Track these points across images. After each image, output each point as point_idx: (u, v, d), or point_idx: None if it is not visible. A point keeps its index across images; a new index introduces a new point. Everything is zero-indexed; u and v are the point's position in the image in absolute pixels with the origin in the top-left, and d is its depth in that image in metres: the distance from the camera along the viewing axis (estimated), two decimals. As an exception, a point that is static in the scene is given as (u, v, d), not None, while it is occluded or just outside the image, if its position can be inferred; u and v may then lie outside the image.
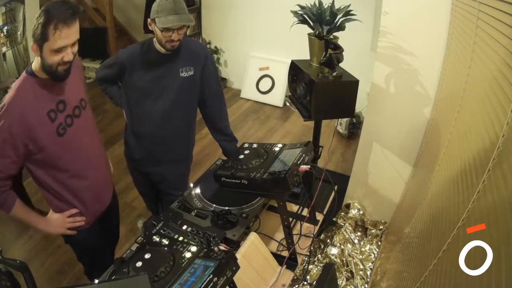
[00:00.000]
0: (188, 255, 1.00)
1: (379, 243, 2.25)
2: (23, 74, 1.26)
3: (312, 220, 1.56)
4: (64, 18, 1.15)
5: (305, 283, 1.62)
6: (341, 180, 2.54)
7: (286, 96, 4.48)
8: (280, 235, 1.49)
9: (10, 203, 1.33)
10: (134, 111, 1.81)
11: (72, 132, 1.34)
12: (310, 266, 2.01)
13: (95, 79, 1.96)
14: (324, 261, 2.12)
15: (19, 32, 3.42)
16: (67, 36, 1.18)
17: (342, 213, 2.49)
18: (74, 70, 1.31)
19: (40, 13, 1.16)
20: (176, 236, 1.16)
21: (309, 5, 1.69)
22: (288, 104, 4.53)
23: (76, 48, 1.24)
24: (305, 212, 1.57)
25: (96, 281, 0.93)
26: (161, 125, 1.79)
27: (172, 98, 1.74)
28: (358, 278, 2.02)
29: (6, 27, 3.32)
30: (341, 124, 3.79)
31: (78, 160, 1.40)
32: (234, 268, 0.95)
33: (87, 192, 1.46)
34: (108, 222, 1.69)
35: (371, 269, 2.08)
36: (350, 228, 2.34)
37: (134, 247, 1.11)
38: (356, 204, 2.50)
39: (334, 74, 1.56)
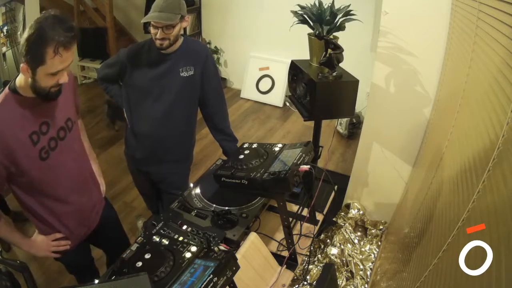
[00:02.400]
0: (188, 255, 1.00)
1: (379, 243, 2.25)
2: (5, 90, 1.16)
3: (312, 220, 1.56)
4: (64, 42, 1.06)
5: (305, 283, 1.62)
6: (341, 180, 2.54)
7: (286, 96, 4.48)
8: (280, 235, 1.49)
9: None
10: (134, 110, 1.81)
11: (56, 155, 1.25)
12: (310, 266, 2.01)
13: (97, 78, 1.96)
14: (324, 261, 2.12)
15: (19, 32, 3.42)
16: (66, 59, 1.09)
17: (342, 213, 2.49)
18: (65, 84, 1.20)
19: (33, 32, 1.03)
20: (176, 236, 1.16)
21: (309, 5, 1.69)
22: (288, 104, 4.53)
23: (69, 69, 1.18)
24: (305, 212, 1.57)
25: (96, 281, 0.93)
26: (161, 125, 1.79)
27: (172, 98, 1.74)
28: (358, 278, 2.02)
29: (6, 27, 3.32)
30: (341, 124, 3.79)
31: (62, 185, 1.32)
32: (234, 268, 0.95)
33: (71, 216, 1.40)
34: (103, 237, 1.62)
35: (371, 269, 2.08)
36: (350, 228, 2.34)
37: (134, 247, 1.11)
38: (356, 204, 2.50)
39: (334, 74, 1.56)
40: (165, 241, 1.10)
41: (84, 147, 1.46)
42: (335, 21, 1.64)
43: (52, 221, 1.36)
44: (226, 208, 1.42)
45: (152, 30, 1.60)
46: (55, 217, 1.36)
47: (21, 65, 1.08)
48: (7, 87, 1.17)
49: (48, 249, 1.39)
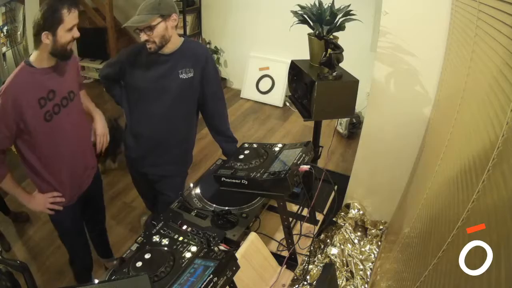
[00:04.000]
0: (188, 255, 1.00)
1: (379, 243, 2.25)
2: (22, 63, 1.42)
3: (312, 220, 1.56)
4: (72, 2, 1.37)
5: (305, 283, 1.62)
6: (341, 180, 2.54)
7: (286, 96, 4.48)
8: (280, 235, 1.49)
9: (1, 176, 1.49)
10: (133, 111, 1.81)
11: (58, 119, 1.49)
12: (310, 266, 2.01)
13: (99, 77, 1.97)
14: (324, 261, 2.12)
15: (19, 32, 3.42)
16: (76, 16, 1.40)
17: (342, 213, 2.49)
18: (70, 62, 1.53)
19: (47, 7, 1.33)
20: (176, 236, 1.16)
21: (309, 5, 1.69)
22: (288, 104, 4.53)
23: (77, 33, 1.44)
24: (305, 212, 1.57)
25: (96, 281, 0.93)
26: (159, 126, 1.79)
27: (171, 99, 1.73)
28: (358, 278, 2.02)
29: (6, 27, 3.32)
30: (341, 124, 3.79)
31: (60, 145, 1.54)
32: (234, 268, 0.95)
33: (65, 174, 1.60)
34: (91, 206, 1.88)
35: (371, 269, 2.08)
36: (350, 228, 2.34)
37: (134, 247, 1.11)
38: (356, 204, 2.50)
39: (334, 74, 1.56)
40: (165, 241, 1.10)
41: (83, 117, 1.68)
42: (335, 21, 1.64)
43: (48, 177, 1.56)
44: (226, 208, 1.42)
45: (139, 33, 1.62)
46: (52, 174, 1.57)
47: (43, 34, 1.33)
48: (23, 62, 1.43)
49: (45, 205, 1.60)
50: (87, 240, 1.96)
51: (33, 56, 1.42)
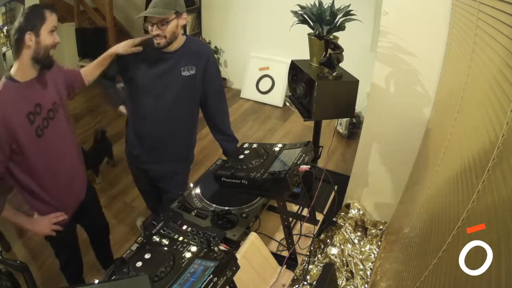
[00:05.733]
0: (188, 255, 1.00)
1: (379, 243, 2.25)
2: (2, 80, 1.36)
3: (312, 220, 1.56)
4: (50, 6, 1.38)
5: (305, 283, 1.63)
6: (341, 180, 2.54)
7: (286, 96, 4.48)
8: (280, 235, 1.49)
9: (0, 205, 1.42)
10: (135, 107, 1.81)
11: (49, 133, 1.45)
12: (310, 266, 2.01)
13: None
14: (324, 261, 2.12)
15: (19, 32, 3.42)
16: (56, 20, 1.39)
17: (342, 213, 2.49)
18: (51, 72, 1.47)
19: (31, 7, 1.34)
20: (176, 236, 1.16)
21: (309, 5, 1.69)
22: (288, 104, 4.53)
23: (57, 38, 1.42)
24: (305, 212, 1.57)
25: (96, 281, 0.93)
26: (161, 123, 1.79)
27: (173, 96, 1.74)
28: (358, 278, 2.02)
29: (6, 27, 3.32)
30: (341, 124, 3.79)
31: (53, 159, 1.50)
32: (234, 268, 0.95)
33: (61, 188, 1.56)
34: (86, 215, 1.81)
35: (371, 269, 2.08)
36: (350, 228, 2.34)
37: (134, 247, 1.11)
38: (356, 204, 2.50)
39: (334, 74, 1.56)
40: (165, 241, 1.10)
41: (69, 126, 1.62)
42: (335, 21, 1.64)
43: (46, 197, 1.52)
44: (226, 208, 1.42)
45: (149, 27, 1.61)
46: (48, 192, 1.52)
47: (26, 36, 1.31)
48: (3, 78, 1.37)
49: (49, 226, 1.55)
50: (80, 250, 1.93)
51: (14, 69, 1.37)
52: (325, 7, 1.65)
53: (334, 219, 2.42)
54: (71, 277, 1.96)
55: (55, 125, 1.49)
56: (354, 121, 3.72)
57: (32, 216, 1.55)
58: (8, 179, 1.46)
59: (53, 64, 1.44)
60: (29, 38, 1.32)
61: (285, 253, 1.37)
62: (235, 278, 0.99)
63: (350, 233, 2.29)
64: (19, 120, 1.34)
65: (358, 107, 3.00)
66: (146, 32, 1.67)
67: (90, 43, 4.56)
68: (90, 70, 1.72)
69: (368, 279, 2.02)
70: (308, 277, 1.90)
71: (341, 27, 1.66)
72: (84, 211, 1.75)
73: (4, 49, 3.35)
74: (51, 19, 1.36)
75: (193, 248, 1.02)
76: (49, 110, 1.46)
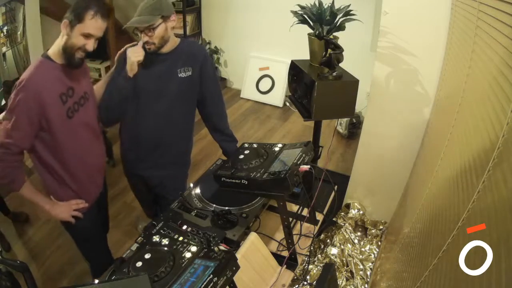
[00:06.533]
0: (188, 255, 1.00)
1: (379, 243, 2.25)
2: (39, 58, 1.37)
3: (312, 220, 1.56)
4: (102, 11, 1.34)
5: (305, 283, 1.62)
6: (341, 180, 2.54)
7: (286, 96, 4.48)
8: (280, 235, 1.49)
9: (20, 181, 1.42)
10: (132, 111, 1.80)
11: (78, 117, 1.46)
12: (310, 266, 2.01)
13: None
14: (324, 261, 2.12)
15: (19, 32, 3.42)
16: (98, 28, 1.35)
17: (342, 213, 2.49)
18: (83, 69, 1.49)
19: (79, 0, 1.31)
20: (176, 236, 1.16)
21: (309, 5, 1.69)
22: (288, 104, 4.53)
23: (95, 45, 1.39)
24: (305, 212, 1.57)
25: (96, 281, 0.93)
26: (159, 126, 1.78)
27: (171, 98, 1.73)
28: (358, 278, 2.02)
29: (6, 27, 3.32)
30: (341, 124, 3.79)
31: (80, 143, 1.50)
32: (234, 268, 0.95)
33: (84, 173, 1.56)
34: (101, 208, 1.83)
35: (371, 269, 2.08)
36: (350, 228, 2.34)
37: (134, 247, 1.11)
38: (356, 204, 2.50)
39: (334, 74, 1.56)
40: (165, 241, 1.10)
41: (95, 117, 1.62)
42: (335, 21, 1.64)
43: (69, 181, 1.51)
44: (226, 208, 1.41)
45: (138, 34, 1.62)
46: (73, 176, 1.52)
47: (63, 21, 1.31)
48: (41, 56, 1.38)
49: (70, 212, 1.53)
50: (106, 240, 1.91)
51: (52, 49, 1.37)
52: (325, 7, 1.65)
53: (334, 219, 2.42)
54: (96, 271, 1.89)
55: (84, 112, 1.50)
56: (354, 121, 3.72)
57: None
58: (32, 159, 1.46)
59: (79, 66, 1.41)
60: (64, 25, 1.32)
61: (285, 253, 1.37)
62: (235, 278, 0.99)
63: (350, 233, 2.29)
64: (52, 98, 1.35)
65: (358, 107, 3.01)
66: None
67: (90, 43, 4.56)
68: (97, 89, 1.69)
69: (368, 279, 2.02)
70: (308, 277, 1.90)
71: (341, 27, 1.66)
72: (100, 204, 1.77)
73: (4, 49, 3.35)
74: (89, 24, 1.32)
75: (193, 248, 1.02)
76: (80, 97, 1.47)
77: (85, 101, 1.51)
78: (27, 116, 1.32)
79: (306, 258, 1.52)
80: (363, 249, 2.20)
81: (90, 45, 1.36)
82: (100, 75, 4.70)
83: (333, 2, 1.65)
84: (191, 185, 1.58)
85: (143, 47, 1.63)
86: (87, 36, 1.34)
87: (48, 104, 1.33)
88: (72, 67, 1.39)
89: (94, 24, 1.33)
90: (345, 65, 1.65)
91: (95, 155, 1.63)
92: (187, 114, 1.85)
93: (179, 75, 1.71)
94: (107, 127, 1.79)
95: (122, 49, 1.69)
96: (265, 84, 4.65)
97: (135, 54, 1.57)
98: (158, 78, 1.70)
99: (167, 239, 1.11)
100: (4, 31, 3.32)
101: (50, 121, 1.35)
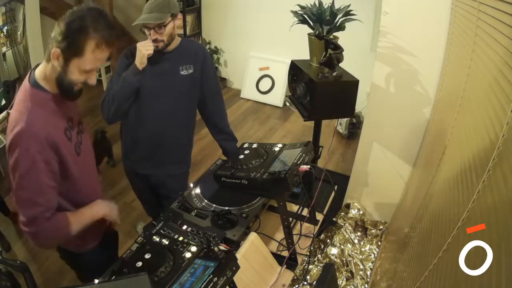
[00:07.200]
0: (188, 255, 1.00)
1: (379, 243, 2.25)
2: (27, 86, 1.07)
3: (312, 220, 1.56)
4: (108, 38, 1.00)
5: (305, 283, 1.62)
6: (341, 180, 2.54)
7: (286, 96, 4.48)
8: (280, 235, 1.49)
9: (64, 224, 1.15)
10: (134, 110, 1.80)
11: (83, 149, 1.25)
12: (310, 266, 2.01)
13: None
14: (324, 261, 2.12)
15: (19, 32, 3.42)
16: (102, 60, 1.04)
17: (342, 213, 2.49)
18: None
19: (75, 19, 0.97)
20: (176, 236, 1.16)
21: (309, 5, 1.69)
22: (288, 104, 4.53)
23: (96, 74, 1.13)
24: (305, 212, 1.57)
25: (96, 281, 0.93)
26: (162, 124, 1.79)
27: (173, 96, 1.74)
28: (358, 278, 2.02)
29: (6, 27, 3.32)
30: (341, 124, 3.79)
31: (88, 177, 1.30)
32: (234, 268, 0.95)
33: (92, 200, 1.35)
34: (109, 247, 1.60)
35: (371, 269, 2.08)
36: (350, 228, 2.34)
37: (134, 247, 1.11)
38: (356, 204, 2.50)
39: (334, 74, 1.56)
40: (165, 241, 1.10)
41: (90, 140, 1.43)
42: (335, 21, 1.64)
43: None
44: (226, 208, 1.41)
45: (146, 32, 1.62)
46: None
47: (53, 50, 0.99)
48: (27, 83, 1.07)
49: (110, 206, 1.32)
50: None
51: (40, 74, 1.07)
52: (325, 7, 1.65)
53: (334, 219, 2.42)
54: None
55: (85, 139, 1.29)
56: (354, 121, 3.72)
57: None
58: None
59: (78, 97, 1.14)
60: (55, 55, 1.00)
61: (285, 253, 1.37)
62: (235, 278, 0.99)
63: (350, 233, 2.29)
64: (60, 137, 1.10)
65: (358, 107, 3.00)
66: (145, 34, 1.67)
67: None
68: None
69: (368, 279, 2.02)
70: (308, 277, 1.90)
71: (341, 27, 1.66)
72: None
73: (4, 49, 3.35)
74: (91, 58, 1.00)
75: (193, 248, 1.02)
76: (78, 123, 1.26)
77: (83, 126, 1.31)
78: (47, 169, 1.04)
79: (306, 258, 1.52)
80: (363, 249, 2.20)
81: (93, 79, 1.09)
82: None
83: (333, 2, 1.65)
84: (191, 185, 1.58)
85: None
86: (88, 71, 1.05)
87: (60, 145, 1.08)
88: (70, 100, 1.14)
89: (98, 56, 1.02)
90: (345, 65, 1.65)
91: (98, 181, 1.43)
92: (189, 113, 1.86)
93: (181, 73, 1.72)
94: (111, 123, 1.77)
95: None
96: (265, 84, 4.65)
97: (146, 47, 1.57)
98: (161, 76, 1.71)
99: (167, 239, 1.11)
100: (4, 31, 3.31)
101: (64, 163, 1.11)
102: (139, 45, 1.59)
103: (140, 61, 1.59)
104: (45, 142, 1.03)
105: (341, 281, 2.01)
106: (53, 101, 1.10)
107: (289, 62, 1.82)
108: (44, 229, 1.09)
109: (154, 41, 1.61)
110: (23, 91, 1.07)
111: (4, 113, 2.82)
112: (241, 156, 1.38)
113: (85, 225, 1.23)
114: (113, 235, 1.62)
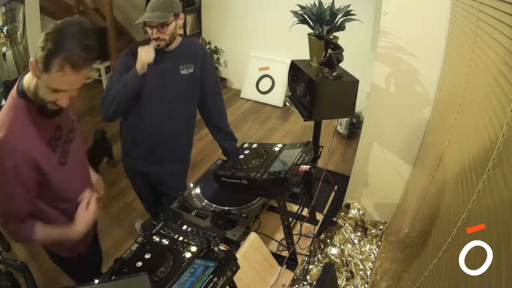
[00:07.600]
0: (188, 255, 1.00)
1: (379, 243, 2.25)
2: (14, 94, 1.05)
3: (312, 220, 1.56)
4: (73, 60, 0.93)
5: (305, 283, 1.62)
6: (341, 180, 2.54)
7: (286, 96, 4.48)
8: (280, 235, 1.49)
9: (28, 232, 1.16)
10: (135, 109, 1.80)
11: (70, 158, 1.23)
12: (310, 266, 2.01)
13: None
14: (324, 261, 2.12)
15: (19, 32, 3.42)
16: (71, 83, 0.98)
17: (342, 213, 2.49)
18: None
19: (51, 32, 0.94)
20: (176, 236, 1.16)
21: (309, 5, 1.69)
22: (288, 104, 4.53)
23: (75, 93, 1.05)
24: (305, 212, 1.57)
25: (96, 281, 0.93)
26: (163, 123, 1.79)
27: (173, 95, 1.75)
28: (358, 278, 2.02)
29: (6, 27, 3.32)
30: (341, 124, 3.79)
31: (74, 186, 1.28)
32: (234, 268, 0.95)
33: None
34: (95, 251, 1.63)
35: (371, 269, 2.08)
36: (350, 228, 2.34)
37: (134, 247, 1.11)
38: (356, 204, 2.50)
39: (334, 74, 1.56)
40: (165, 241, 1.10)
41: (82, 147, 1.41)
42: (335, 21, 1.64)
43: (65, 223, 1.27)
44: (226, 208, 1.41)
45: (148, 30, 1.62)
46: (68, 218, 1.27)
47: (31, 59, 0.95)
48: (14, 91, 1.06)
49: (90, 216, 1.25)
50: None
51: (27, 81, 1.04)
52: (325, 7, 1.65)
53: (334, 219, 2.42)
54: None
55: (74, 148, 1.25)
56: (354, 121, 3.72)
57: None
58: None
59: (56, 115, 1.11)
60: (32, 66, 0.96)
61: (285, 253, 1.37)
62: (235, 278, 0.99)
63: (350, 233, 2.29)
64: (41, 149, 1.09)
65: (358, 107, 3.01)
66: (147, 32, 1.68)
67: (90, 43, 4.55)
68: None
69: (368, 279, 2.02)
70: (308, 277, 1.90)
71: (341, 27, 1.66)
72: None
73: (4, 49, 3.35)
74: (55, 77, 0.94)
75: (193, 248, 1.02)
76: (69, 130, 1.23)
77: (73, 134, 1.25)
78: (19, 183, 1.05)
79: (306, 258, 1.52)
80: (363, 249, 2.20)
81: (63, 101, 1.01)
82: (100, 75, 4.70)
83: (333, 2, 1.65)
84: (191, 185, 1.58)
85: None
86: (55, 90, 0.98)
87: (38, 159, 1.07)
88: (48, 118, 1.10)
89: (63, 78, 0.94)
90: (345, 65, 1.65)
91: (88, 185, 1.38)
92: (189, 112, 1.86)
93: (181, 72, 1.72)
94: (109, 121, 1.78)
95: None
96: (265, 84, 4.65)
97: (147, 53, 1.57)
98: (162, 75, 1.71)
99: (167, 239, 1.11)
100: (4, 31, 3.31)
101: (45, 175, 1.11)
102: (141, 50, 1.59)
103: (141, 66, 1.59)
104: (20, 161, 1.03)
105: (341, 281, 2.01)
106: (37, 111, 1.06)
107: (289, 62, 1.82)
108: (17, 230, 1.17)
109: (156, 39, 1.61)
110: (10, 98, 1.06)
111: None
112: (241, 156, 1.38)
113: (53, 241, 1.25)
114: (98, 245, 1.63)
